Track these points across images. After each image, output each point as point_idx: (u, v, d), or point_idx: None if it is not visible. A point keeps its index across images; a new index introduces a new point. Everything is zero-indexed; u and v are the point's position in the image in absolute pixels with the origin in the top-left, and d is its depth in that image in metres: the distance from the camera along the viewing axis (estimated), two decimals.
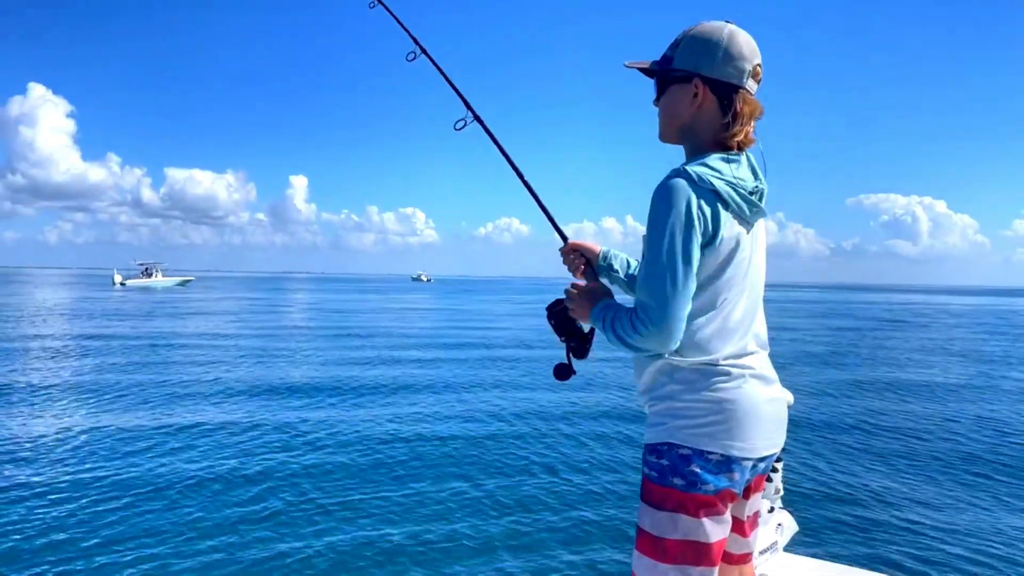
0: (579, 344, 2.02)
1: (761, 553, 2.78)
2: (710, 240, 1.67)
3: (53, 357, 17.28)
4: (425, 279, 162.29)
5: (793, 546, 3.08)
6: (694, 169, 1.68)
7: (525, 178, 2.28)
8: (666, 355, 1.74)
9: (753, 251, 1.78)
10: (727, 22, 1.78)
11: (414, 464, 8.19)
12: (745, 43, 1.76)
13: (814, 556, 3.17)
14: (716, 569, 1.75)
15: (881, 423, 11.03)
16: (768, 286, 1.87)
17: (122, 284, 71.44)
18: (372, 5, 2.64)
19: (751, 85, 1.78)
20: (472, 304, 52.91)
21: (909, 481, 7.84)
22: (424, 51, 2.51)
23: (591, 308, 1.87)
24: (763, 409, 1.75)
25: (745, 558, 1.96)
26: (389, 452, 8.71)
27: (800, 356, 19.86)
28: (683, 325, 1.67)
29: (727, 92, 1.75)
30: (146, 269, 77.42)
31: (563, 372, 2.04)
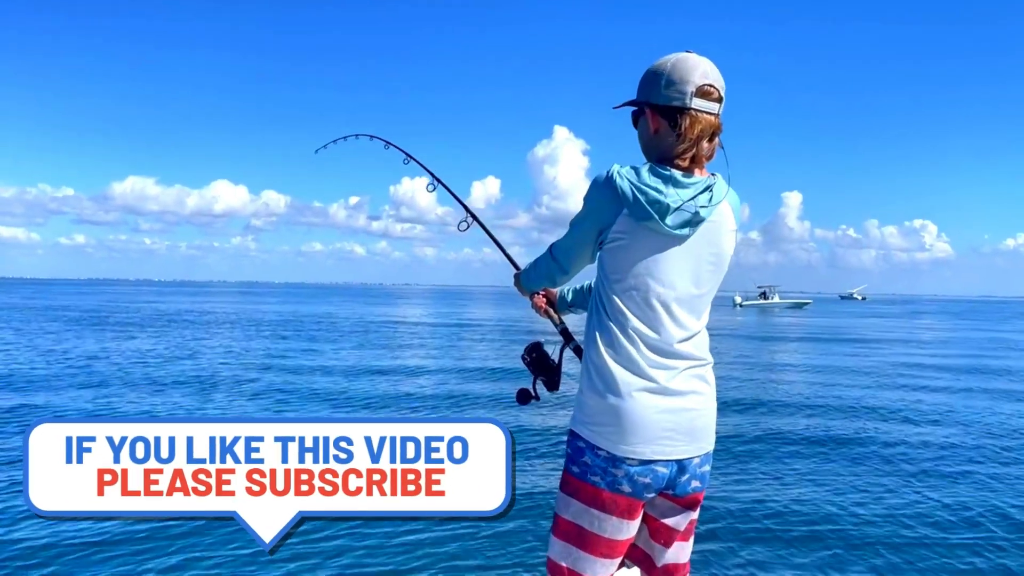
0: (549, 378, 2.28)
1: None
2: (603, 230, 1.89)
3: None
4: (859, 297, 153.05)
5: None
6: (618, 169, 1.85)
7: (484, 224, 2.71)
8: (590, 353, 1.94)
9: (665, 260, 1.86)
10: (687, 52, 1.90)
11: None
12: (691, 68, 1.86)
13: None
14: (600, 562, 1.94)
15: None
16: None
17: (740, 305, 73.20)
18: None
19: (700, 103, 1.85)
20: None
21: None
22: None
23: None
24: (652, 418, 1.85)
25: (666, 570, 2.05)
26: None
27: None
28: (564, 276, 2.12)
29: (673, 115, 1.86)
30: (763, 292, 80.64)
31: (524, 397, 2.29)
